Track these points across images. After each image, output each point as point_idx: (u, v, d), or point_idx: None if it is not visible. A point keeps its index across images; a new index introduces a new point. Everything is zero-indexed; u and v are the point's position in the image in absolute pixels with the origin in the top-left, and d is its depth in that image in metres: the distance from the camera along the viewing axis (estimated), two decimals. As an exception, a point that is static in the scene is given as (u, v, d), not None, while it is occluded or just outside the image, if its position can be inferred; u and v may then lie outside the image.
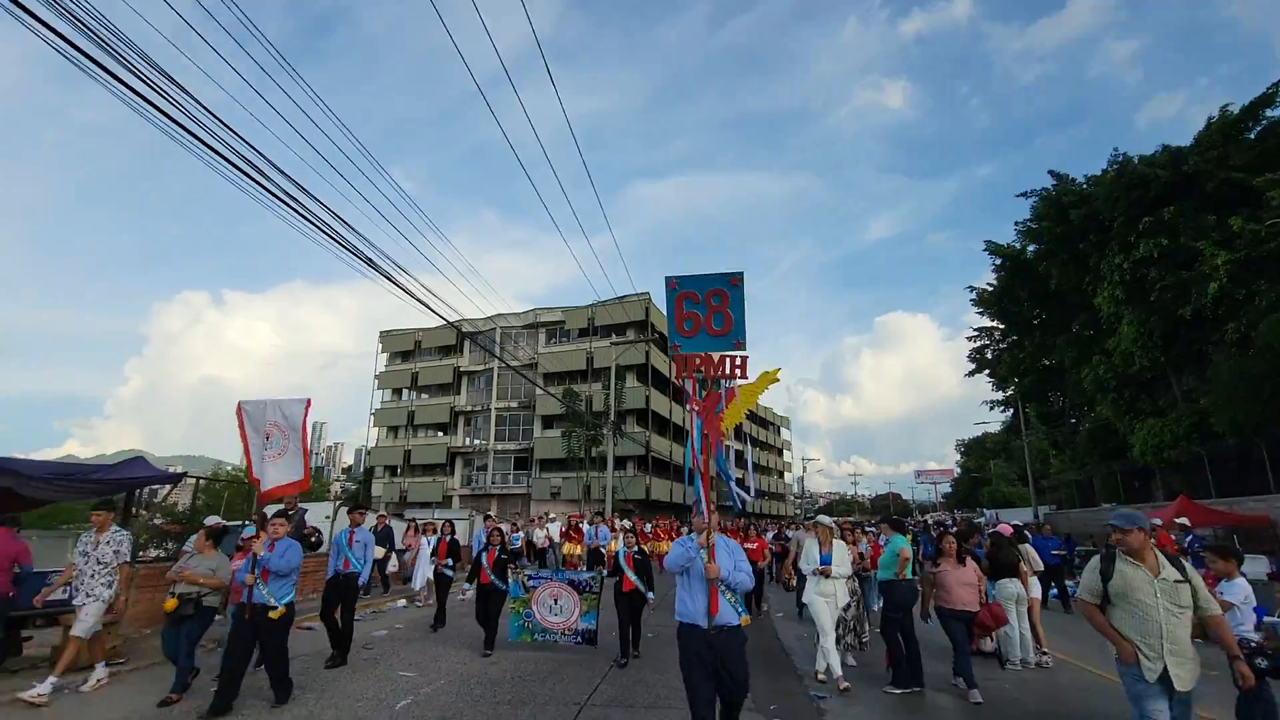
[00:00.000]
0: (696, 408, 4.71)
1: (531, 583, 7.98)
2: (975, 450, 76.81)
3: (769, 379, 4.80)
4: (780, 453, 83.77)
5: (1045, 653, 7.04)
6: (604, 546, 15.17)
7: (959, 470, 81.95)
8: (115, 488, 7.96)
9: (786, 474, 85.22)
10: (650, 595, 7.65)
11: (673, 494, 41.43)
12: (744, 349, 4.73)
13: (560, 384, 36.73)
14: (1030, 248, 30.27)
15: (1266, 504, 17.10)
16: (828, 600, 6.51)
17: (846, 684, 6.14)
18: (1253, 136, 21.75)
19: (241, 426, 6.23)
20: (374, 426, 47.87)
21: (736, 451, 36.01)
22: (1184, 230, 20.82)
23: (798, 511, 76.55)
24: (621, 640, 7.50)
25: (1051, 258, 26.88)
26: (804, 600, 6.74)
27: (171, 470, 12.57)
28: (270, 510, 7.43)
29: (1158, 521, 12.67)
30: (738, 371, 4.75)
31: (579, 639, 7.77)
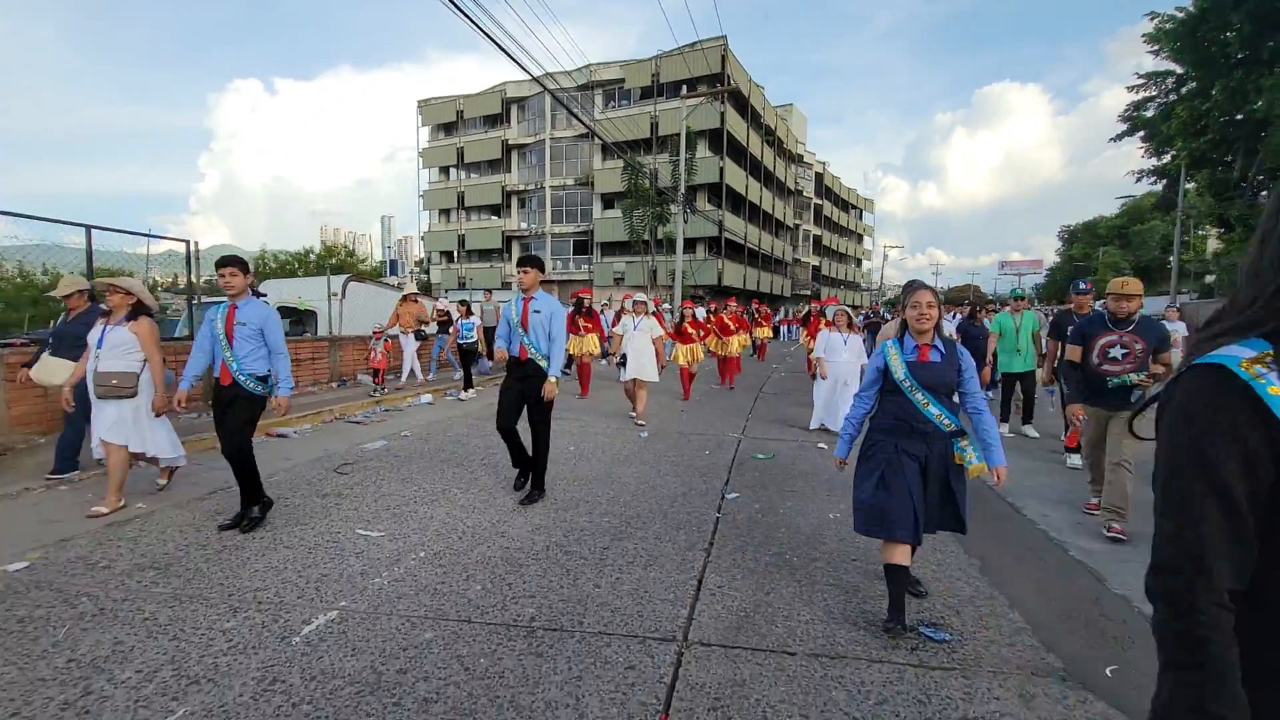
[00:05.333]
0: None
1: None
2: (1083, 237, 68.98)
3: None
4: (860, 239, 77.75)
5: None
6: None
7: (1057, 259, 74.93)
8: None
9: (865, 261, 79.98)
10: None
11: (745, 280, 38.25)
12: None
13: (620, 156, 32.01)
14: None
15: None
16: None
17: None
18: None
19: None
20: (424, 209, 45.21)
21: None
22: None
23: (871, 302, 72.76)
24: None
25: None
26: None
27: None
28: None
29: None
30: None
31: None
